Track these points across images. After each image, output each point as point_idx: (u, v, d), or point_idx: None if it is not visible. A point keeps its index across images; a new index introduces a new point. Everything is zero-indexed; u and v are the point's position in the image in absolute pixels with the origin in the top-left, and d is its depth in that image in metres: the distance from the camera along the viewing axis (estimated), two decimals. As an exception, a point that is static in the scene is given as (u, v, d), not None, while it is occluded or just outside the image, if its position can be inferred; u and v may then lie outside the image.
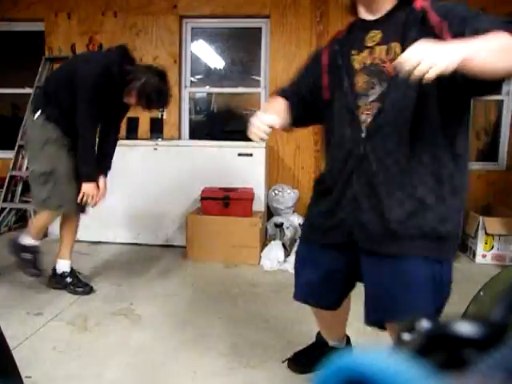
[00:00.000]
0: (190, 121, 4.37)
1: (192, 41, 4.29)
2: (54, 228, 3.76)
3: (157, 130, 3.92)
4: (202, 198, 3.24)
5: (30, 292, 2.52)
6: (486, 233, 3.31)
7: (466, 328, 0.26)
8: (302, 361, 1.79)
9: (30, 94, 4.19)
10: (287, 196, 3.86)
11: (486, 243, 3.34)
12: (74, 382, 1.65)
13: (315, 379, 0.24)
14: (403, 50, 1.10)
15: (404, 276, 1.24)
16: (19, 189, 4.07)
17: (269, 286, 2.73)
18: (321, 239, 1.41)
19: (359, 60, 1.31)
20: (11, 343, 1.02)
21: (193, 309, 2.36)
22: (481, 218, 3.32)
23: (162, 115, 4.18)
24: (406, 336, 0.29)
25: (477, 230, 3.34)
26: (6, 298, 2.42)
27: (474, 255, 3.37)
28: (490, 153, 4.26)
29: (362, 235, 1.28)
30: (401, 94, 1.21)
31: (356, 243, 1.30)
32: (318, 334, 1.82)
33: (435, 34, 1.13)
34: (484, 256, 3.34)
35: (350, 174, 1.28)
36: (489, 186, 4.10)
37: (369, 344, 1.91)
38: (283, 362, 1.82)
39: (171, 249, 3.50)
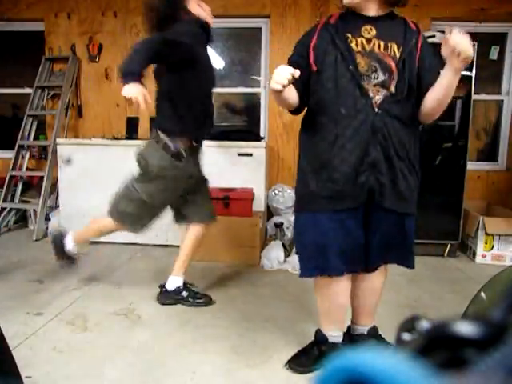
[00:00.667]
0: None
1: (192, 41, 4.28)
2: (54, 227, 3.76)
3: (157, 130, 3.91)
4: (202, 198, 3.22)
5: (30, 292, 2.52)
6: (486, 233, 3.31)
7: (466, 328, 0.26)
8: (302, 361, 1.80)
9: (29, 94, 4.20)
10: (287, 196, 3.86)
11: (486, 243, 3.34)
12: (74, 382, 1.65)
13: (315, 379, 0.24)
14: (401, 51, 1.55)
15: (405, 228, 1.65)
16: (19, 189, 4.07)
17: (269, 285, 2.73)
18: (339, 205, 1.59)
19: (357, 44, 1.55)
20: (11, 343, 1.02)
21: (193, 309, 2.36)
22: (481, 217, 3.32)
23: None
24: (406, 336, 0.29)
25: (477, 230, 3.34)
26: (6, 298, 2.42)
27: (474, 255, 3.37)
28: (490, 153, 4.26)
29: (381, 195, 1.57)
30: (406, 84, 1.56)
31: (370, 203, 1.58)
32: (317, 332, 1.84)
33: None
34: (484, 256, 3.34)
35: (367, 143, 1.53)
36: (489, 186, 4.10)
37: (369, 344, 1.90)
38: (285, 365, 1.81)
39: (171, 249, 3.50)
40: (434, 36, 3.46)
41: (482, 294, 0.71)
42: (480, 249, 3.34)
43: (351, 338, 1.92)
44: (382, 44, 1.55)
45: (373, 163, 1.54)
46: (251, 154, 3.49)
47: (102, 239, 3.59)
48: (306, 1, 4.02)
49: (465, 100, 3.35)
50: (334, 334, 1.79)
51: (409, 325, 0.30)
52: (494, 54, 4.05)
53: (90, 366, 1.76)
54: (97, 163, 3.58)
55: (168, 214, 3.54)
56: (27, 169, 4.20)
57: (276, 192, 3.89)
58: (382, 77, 1.54)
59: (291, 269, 3.02)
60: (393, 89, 1.54)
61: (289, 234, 3.52)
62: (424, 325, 0.29)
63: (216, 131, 4.11)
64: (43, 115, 4.32)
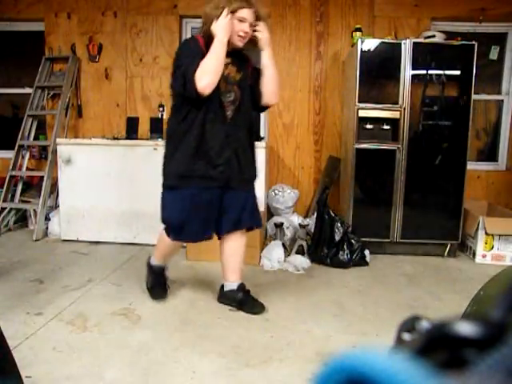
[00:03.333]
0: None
1: (192, 41, 4.28)
2: (55, 228, 3.76)
3: (157, 130, 3.92)
4: (202, 198, 3.24)
5: (30, 292, 2.52)
6: (486, 233, 3.31)
7: (466, 328, 0.26)
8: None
9: (29, 94, 4.20)
10: (287, 196, 3.86)
11: (486, 243, 3.33)
12: (74, 382, 1.65)
13: (315, 379, 0.24)
14: (240, 76, 2.20)
15: (251, 200, 2.32)
16: (19, 189, 4.07)
17: (269, 285, 2.73)
18: (204, 183, 2.17)
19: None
20: (11, 343, 1.02)
21: (193, 309, 2.36)
22: (481, 217, 3.32)
23: (161, 115, 4.18)
24: (406, 336, 0.29)
25: (477, 230, 3.34)
26: (6, 298, 2.42)
27: (474, 255, 3.37)
28: (490, 153, 4.27)
29: (235, 181, 2.22)
30: (247, 99, 2.23)
31: (225, 186, 2.20)
32: (149, 263, 2.52)
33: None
34: (484, 256, 3.34)
35: (224, 143, 2.16)
36: (489, 186, 4.10)
37: (369, 344, 1.91)
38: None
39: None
40: (434, 36, 3.46)
41: (482, 293, 0.71)
42: (480, 249, 3.34)
43: (224, 293, 2.40)
44: (234, 70, 2.18)
45: (228, 158, 2.17)
46: (251, 154, 3.48)
47: (102, 239, 3.61)
48: (306, 1, 4.02)
49: (465, 100, 3.36)
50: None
51: (409, 325, 0.30)
52: (494, 54, 4.05)
53: (90, 366, 1.76)
54: (97, 163, 3.58)
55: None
56: (27, 169, 4.20)
57: (276, 192, 3.89)
58: (233, 95, 2.18)
59: (291, 269, 3.02)
60: (238, 104, 2.20)
61: (289, 233, 3.52)
62: (424, 325, 0.29)
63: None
64: (43, 115, 4.32)
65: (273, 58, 2.24)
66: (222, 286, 2.43)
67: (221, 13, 2.03)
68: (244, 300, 2.34)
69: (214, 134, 2.15)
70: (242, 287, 2.38)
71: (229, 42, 2.08)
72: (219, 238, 2.37)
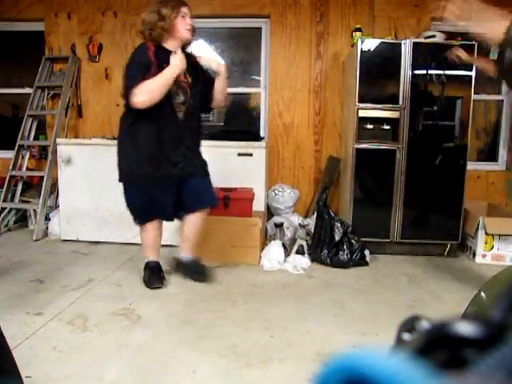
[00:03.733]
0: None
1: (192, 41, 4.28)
2: (55, 228, 3.76)
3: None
4: (202, 198, 3.24)
5: (30, 292, 2.52)
6: (486, 233, 3.31)
7: (465, 328, 0.26)
8: (152, 280, 2.63)
9: (29, 94, 4.20)
10: (287, 196, 3.86)
11: (486, 243, 3.33)
12: (74, 382, 1.65)
13: (315, 379, 0.24)
14: (192, 77, 2.50)
15: (204, 184, 2.63)
16: (19, 189, 4.07)
17: (269, 285, 2.73)
18: (165, 181, 2.47)
19: None
20: (11, 343, 1.02)
21: (193, 309, 2.36)
22: (481, 217, 3.32)
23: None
24: (406, 336, 0.29)
25: (477, 230, 3.34)
26: (6, 298, 2.42)
27: (474, 255, 3.37)
28: (490, 153, 4.27)
29: (189, 171, 2.52)
30: (195, 101, 2.51)
31: (182, 175, 2.50)
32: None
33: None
34: (484, 256, 3.34)
35: (178, 142, 2.45)
36: (489, 186, 4.10)
37: (369, 344, 1.91)
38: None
39: (171, 249, 3.50)
40: (434, 36, 3.46)
41: (482, 293, 0.71)
42: (480, 249, 3.34)
43: (180, 263, 2.73)
44: (182, 73, 2.41)
45: (183, 155, 2.48)
46: (251, 154, 3.49)
47: (102, 239, 3.60)
48: (306, 1, 4.02)
49: (465, 100, 3.36)
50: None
51: (409, 325, 0.30)
52: (494, 54, 4.05)
53: (90, 366, 1.76)
54: (97, 163, 3.58)
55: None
56: (27, 169, 4.20)
57: (276, 192, 3.89)
58: (182, 97, 2.44)
59: (291, 269, 3.02)
60: (188, 105, 2.46)
61: (289, 234, 3.52)
62: (424, 325, 0.29)
63: (216, 131, 4.12)
64: (43, 115, 4.32)
65: (225, 71, 2.62)
66: (177, 258, 2.77)
67: (172, 17, 2.38)
68: (198, 270, 2.71)
69: (168, 134, 2.42)
70: (197, 259, 2.74)
71: (178, 39, 2.44)
72: (181, 218, 2.69)
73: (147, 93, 2.25)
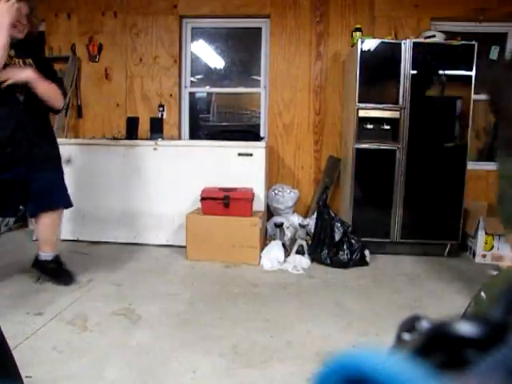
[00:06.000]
0: (190, 121, 4.38)
1: (192, 41, 4.29)
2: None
3: (157, 129, 3.92)
4: (202, 198, 3.23)
5: (30, 292, 2.52)
6: (486, 233, 3.31)
7: (466, 328, 0.26)
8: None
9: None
10: (287, 196, 3.86)
11: (485, 243, 3.34)
12: (74, 382, 1.65)
13: (315, 379, 0.24)
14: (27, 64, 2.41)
15: (59, 181, 2.61)
16: (19, 189, 4.07)
17: (269, 285, 2.73)
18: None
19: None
20: (11, 343, 1.02)
21: (193, 309, 2.36)
22: (481, 217, 3.32)
23: (161, 115, 4.18)
24: (406, 336, 0.29)
25: (477, 230, 3.34)
26: (6, 297, 2.42)
27: (474, 255, 3.37)
28: (490, 153, 4.26)
29: (32, 162, 2.42)
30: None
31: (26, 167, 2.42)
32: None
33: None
34: (484, 256, 3.34)
35: (15, 126, 2.35)
36: (489, 186, 4.10)
37: (369, 344, 1.90)
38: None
39: (171, 249, 3.50)
40: (434, 36, 3.46)
41: (482, 293, 0.71)
42: (480, 249, 3.34)
43: (38, 262, 2.64)
44: (20, 60, 2.38)
45: (19, 141, 2.37)
46: (251, 154, 3.49)
47: (102, 239, 3.60)
48: (306, 1, 4.02)
49: (465, 100, 3.36)
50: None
51: (409, 325, 0.30)
52: (494, 54, 4.05)
53: (90, 366, 1.76)
54: (97, 163, 3.58)
55: (168, 214, 3.56)
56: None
57: (276, 192, 3.89)
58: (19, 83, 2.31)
59: (291, 269, 3.02)
60: (28, 90, 2.34)
61: (289, 233, 3.52)
62: (424, 325, 0.29)
63: (216, 131, 4.12)
64: (43, 115, 4.32)
65: (38, 83, 2.41)
66: (37, 256, 2.67)
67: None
68: (55, 270, 2.63)
69: (4, 117, 2.33)
70: (56, 258, 2.67)
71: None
72: (32, 217, 2.68)
73: None
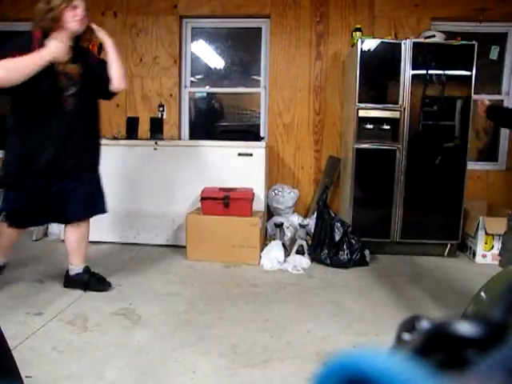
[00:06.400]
0: (190, 121, 4.38)
1: (192, 41, 4.29)
2: (55, 228, 3.76)
3: (157, 130, 3.92)
4: (202, 198, 3.23)
5: (30, 292, 2.52)
6: (486, 233, 3.31)
7: (466, 328, 0.26)
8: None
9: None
10: (287, 196, 3.86)
11: (485, 243, 3.34)
12: (74, 382, 1.65)
13: (315, 379, 0.24)
14: (83, 67, 2.38)
15: (97, 189, 2.53)
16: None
17: (269, 285, 2.73)
18: (40, 181, 2.32)
19: (59, 65, 2.28)
20: (11, 343, 1.02)
21: (193, 309, 2.36)
22: (481, 217, 3.32)
23: (161, 115, 4.18)
24: (406, 336, 0.29)
25: (477, 230, 3.34)
26: (6, 298, 2.42)
27: (474, 255, 3.37)
28: (489, 153, 4.26)
29: (80, 172, 2.42)
30: (89, 92, 2.43)
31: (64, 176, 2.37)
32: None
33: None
34: (484, 256, 3.35)
35: (67, 137, 2.34)
36: (489, 186, 4.10)
37: (369, 344, 1.91)
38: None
39: (171, 249, 3.50)
40: (434, 36, 3.46)
41: (482, 293, 0.71)
42: (480, 249, 3.34)
43: (70, 277, 2.56)
44: (74, 67, 2.35)
45: (63, 150, 2.34)
46: (251, 154, 3.49)
47: (102, 239, 3.60)
48: (306, 1, 4.02)
49: (465, 100, 3.36)
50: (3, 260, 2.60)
51: (409, 325, 0.30)
52: (494, 53, 4.05)
53: (90, 366, 1.76)
54: (97, 163, 3.58)
55: (168, 214, 3.56)
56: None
57: (276, 192, 3.89)
58: (73, 90, 2.33)
59: (291, 269, 3.01)
60: (78, 98, 2.35)
61: (289, 233, 3.52)
62: (424, 325, 0.29)
63: (216, 131, 4.12)
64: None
65: (114, 47, 2.55)
66: (68, 271, 2.60)
67: (61, 7, 2.25)
68: (90, 280, 2.55)
69: (51, 128, 2.29)
70: (87, 270, 2.59)
71: (67, 30, 2.32)
72: (66, 224, 2.54)
73: (5, 69, 2.08)
